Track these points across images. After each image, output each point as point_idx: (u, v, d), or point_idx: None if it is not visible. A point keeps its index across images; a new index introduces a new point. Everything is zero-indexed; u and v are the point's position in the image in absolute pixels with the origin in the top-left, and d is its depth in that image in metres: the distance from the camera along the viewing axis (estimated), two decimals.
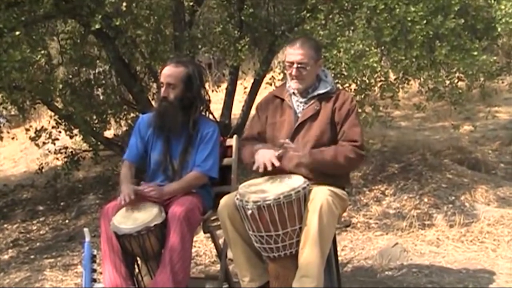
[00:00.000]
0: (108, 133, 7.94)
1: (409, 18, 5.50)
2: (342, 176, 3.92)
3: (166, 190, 3.95)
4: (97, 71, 7.62)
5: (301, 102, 3.97)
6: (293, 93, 3.99)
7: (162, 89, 4.07)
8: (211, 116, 4.31)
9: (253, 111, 4.33)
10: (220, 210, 3.75)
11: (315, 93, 3.94)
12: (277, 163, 3.74)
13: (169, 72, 4.07)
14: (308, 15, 5.96)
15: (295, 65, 3.88)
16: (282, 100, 4.02)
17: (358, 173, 6.75)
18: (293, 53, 3.90)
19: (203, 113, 4.22)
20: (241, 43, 6.12)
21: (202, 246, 5.63)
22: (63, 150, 7.71)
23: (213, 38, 6.77)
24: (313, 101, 3.92)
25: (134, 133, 4.24)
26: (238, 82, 7.53)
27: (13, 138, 8.09)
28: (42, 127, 6.87)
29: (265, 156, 3.79)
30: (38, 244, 6.41)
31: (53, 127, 7.11)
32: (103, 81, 7.65)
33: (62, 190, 7.93)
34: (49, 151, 7.99)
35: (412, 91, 7.53)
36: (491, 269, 4.70)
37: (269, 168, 3.72)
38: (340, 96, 3.94)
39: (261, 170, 3.76)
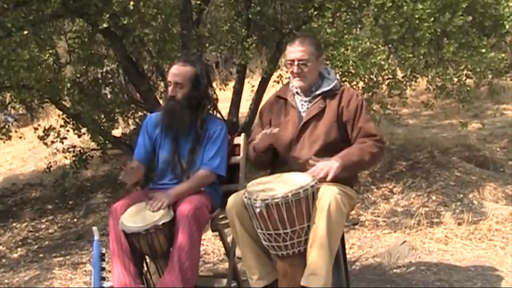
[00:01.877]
0: (116, 132, 7.95)
1: (416, 16, 5.49)
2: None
3: (175, 193, 3.93)
4: (104, 70, 7.63)
5: (305, 101, 3.96)
6: (297, 92, 3.99)
7: (170, 88, 4.07)
8: (218, 115, 4.31)
9: None
10: (228, 208, 3.75)
11: (319, 91, 3.93)
12: (275, 130, 3.77)
13: (176, 71, 4.07)
14: (315, 13, 5.96)
15: (296, 63, 3.88)
16: (286, 100, 4.02)
17: (366, 171, 6.74)
18: (293, 50, 3.90)
19: (211, 112, 4.22)
20: (248, 41, 6.12)
21: (210, 244, 5.64)
22: (71, 149, 7.73)
23: (220, 36, 6.76)
24: (318, 100, 3.92)
25: (141, 133, 4.25)
26: (246, 80, 7.52)
27: (21, 137, 8.11)
28: (50, 126, 6.88)
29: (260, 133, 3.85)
30: (47, 242, 6.44)
31: (61, 126, 7.12)
32: (111, 80, 7.66)
33: (71, 189, 7.96)
34: (57, 150, 8.01)
35: (420, 88, 7.52)
36: (500, 267, 4.69)
37: (268, 132, 3.77)
38: (345, 93, 3.93)
39: (260, 144, 3.84)
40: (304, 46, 3.89)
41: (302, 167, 3.79)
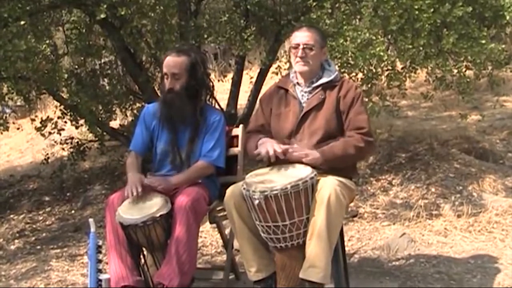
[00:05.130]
0: (114, 123, 7.92)
1: (416, 7, 5.46)
2: (349, 166, 3.90)
3: (173, 182, 3.94)
4: (102, 61, 7.60)
5: (305, 92, 3.96)
6: (297, 83, 3.99)
7: (167, 81, 4.05)
8: (216, 105, 4.29)
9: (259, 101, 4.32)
10: (226, 200, 3.74)
11: (319, 83, 3.93)
12: (279, 150, 3.74)
13: (172, 62, 4.04)
14: (314, 3, 5.93)
15: (301, 46, 3.89)
16: (286, 90, 4.02)
17: (365, 163, 6.72)
18: (300, 35, 3.93)
19: (208, 101, 4.20)
20: (247, 32, 6.09)
21: (208, 236, 5.62)
22: (69, 141, 7.71)
23: (219, 27, 6.72)
24: (318, 91, 3.92)
25: (139, 123, 4.23)
26: (244, 72, 7.49)
27: (19, 129, 8.09)
28: (48, 117, 6.84)
29: (268, 145, 3.80)
30: (44, 234, 6.42)
31: (58, 117, 7.08)
32: (109, 71, 7.64)
33: (68, 181, 7.93)
34: (55, 142, 7.98)
35: (419, 80, 7.48)
36: (499, 259, 4.69)
37: (271, 152, 3.73)
38: (344, 84, 3.94)
39: (263, 156, 3.79)
40: (311, 32, 3.93)
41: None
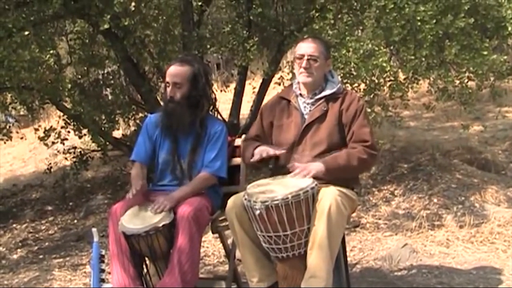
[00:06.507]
0: (117, 133, 7.94)
1: (418, 18, 5.48)
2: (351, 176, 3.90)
3: (176, 196, 3.91)
4: (105, 71, 7.62)
5: (308, 104, 3.96)
6: (300, 94, 3.99)
7: (168, 89, 4.06)
8: (218, 116, 4.30)
9: None
10: (228, 210, 3.74)
11: (322, 94, 3.93)
12: (276, 152, 3.78)
13: (174, 71, 4.05)
14: (317, 14, 5.95)
15: (305, 57, 3.88)
16: (289, 101, 4.01)
17: (367, 173, 6.72)
18: (305, 46, 3.92)
19: (210, 112, 4.21)
20: (249, 43, 6.11)
21: (211, 246, 5.63)
22: (71, 150, 7.73)
23: (221, 38, 6.76)
24: (320, 102, 3.91)
25: (142, 133, 4.23)
26: (247, 82, 7.51)
27: (22, 138, 8.10)
28: (51, 127, 6.87)
29: (265, 148, 3.84)
30: (46, 244, 6.42)
31: (62, 127, 7.11)
32: (112, 81, 7.66)
33: (71, 190, 7.95)
34: (58, 151, 8.01)
35: (422, 91, 7.49)
36: (502, 270, 4.67)
37: (264, 154, 3.78)
38: (347, 97, 3.93)
39: (257, 158, 3.82)
40: (316, 44, 3.93)
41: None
